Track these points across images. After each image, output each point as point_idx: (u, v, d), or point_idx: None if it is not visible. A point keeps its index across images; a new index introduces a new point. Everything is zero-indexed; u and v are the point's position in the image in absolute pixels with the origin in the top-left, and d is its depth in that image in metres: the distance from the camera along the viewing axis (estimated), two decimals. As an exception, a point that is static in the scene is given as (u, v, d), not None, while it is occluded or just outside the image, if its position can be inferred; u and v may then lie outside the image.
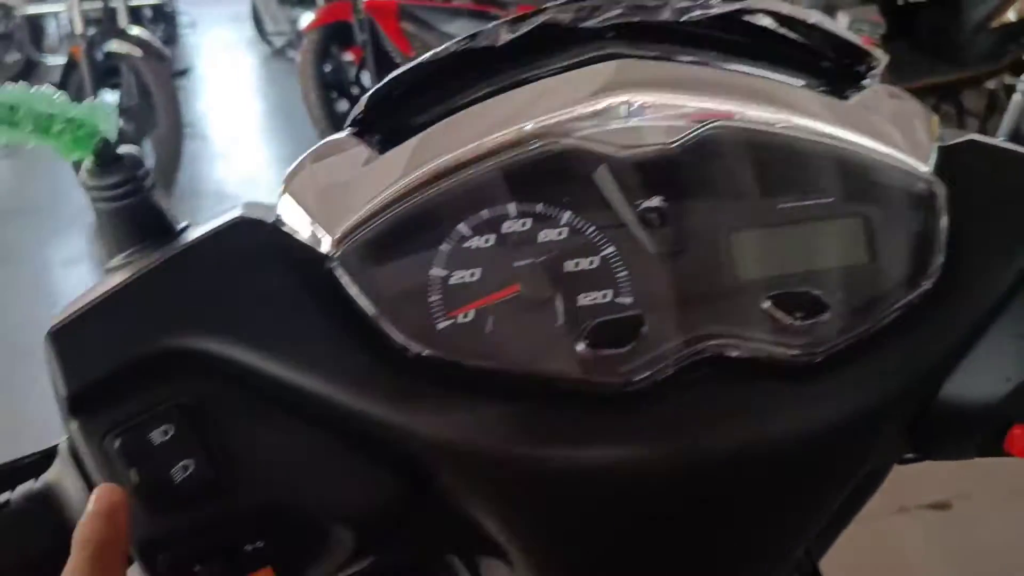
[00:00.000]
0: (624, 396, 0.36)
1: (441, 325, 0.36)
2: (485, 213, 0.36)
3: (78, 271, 3.03)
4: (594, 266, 0.36)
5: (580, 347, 0.35)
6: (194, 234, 0.39)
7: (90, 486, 0.36)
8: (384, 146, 0.38)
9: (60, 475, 0.38)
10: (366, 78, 3.70)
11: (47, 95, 0.38)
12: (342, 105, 3.74)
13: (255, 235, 0.39)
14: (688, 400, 0.36)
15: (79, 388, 0.36)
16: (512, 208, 0.36)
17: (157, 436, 0.34)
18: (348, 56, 3.72)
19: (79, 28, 3.15)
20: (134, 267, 0.38)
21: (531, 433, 0.36)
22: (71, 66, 3.36)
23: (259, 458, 0.36)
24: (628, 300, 0.36)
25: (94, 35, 3.20)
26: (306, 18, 4.03)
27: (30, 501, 0.37)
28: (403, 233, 0.36)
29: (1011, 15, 3.56)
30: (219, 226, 0.39)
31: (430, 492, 0.38)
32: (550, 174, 0.36)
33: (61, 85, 3.42)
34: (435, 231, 0.36)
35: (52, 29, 5.03)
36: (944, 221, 0.40)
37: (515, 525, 0.39)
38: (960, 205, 0.40)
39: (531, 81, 0.38)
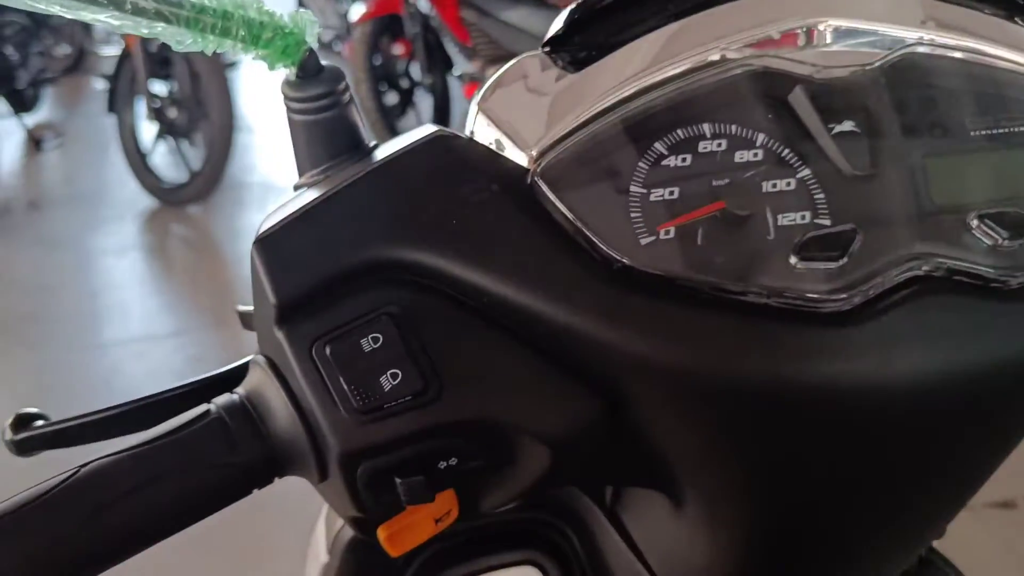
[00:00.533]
0: (840, 313, 0.35)
1: (645, 241, 0.35)
2: (681, 132, 0.36)
3: (128, 259, 3.05)
4: (791, 187, 0.35)
5: (793, 260, 0.35)
6: (387, 151, 0.39)
7: (292, 397, 0.36)
8: (578, 65, 0.38)
9: (259, 386, 0.38)
10: (415, 70, 3.69)
11: (257, 3, 0.37)
12: (391, 97, 3.74)
13: (455, 149, 0.38)
14: (905, 317, 0.35)
15: (288, 297, 0.36)
16: (707, 128, 0.36)
17: (367, 344, 0.35)
18: (398, 49, 3.71)
19: (134, 18, 3.17)
20: (334, 180, 0.38)
21: (748, 347, 0.35)
22: (124, 57, 3.39)
23: (463, 371, 0.36)
24: (826, 222, 0.35)
25: (148, 24, 3.21)
26: (357, 10, 4.03)
27: (230, 412, 0.37)
28: (602, 149, 0.36)
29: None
30: (417, 140, 0.38)
31: (626, 419, 0.37)
32: (746, 95, 0.36)
33: (114, 76, 3.45)
34: (633, 149, 0.36)
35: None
36: None
37: (712, 453, 0.38)
38: None
39: (726, 1, 0.38)
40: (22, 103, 4.26)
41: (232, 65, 4.58)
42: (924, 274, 0.36)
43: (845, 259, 0.35)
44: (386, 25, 3.61)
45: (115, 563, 0.35)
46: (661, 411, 0.37)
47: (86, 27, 4.72)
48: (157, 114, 3.34)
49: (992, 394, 0.38)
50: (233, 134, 3.29)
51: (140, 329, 2.58)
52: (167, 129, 3.37)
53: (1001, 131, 0.37)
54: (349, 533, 0.52)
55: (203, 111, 3.24)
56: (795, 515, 0.41)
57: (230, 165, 3.34)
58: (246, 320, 0.52)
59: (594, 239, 0.35)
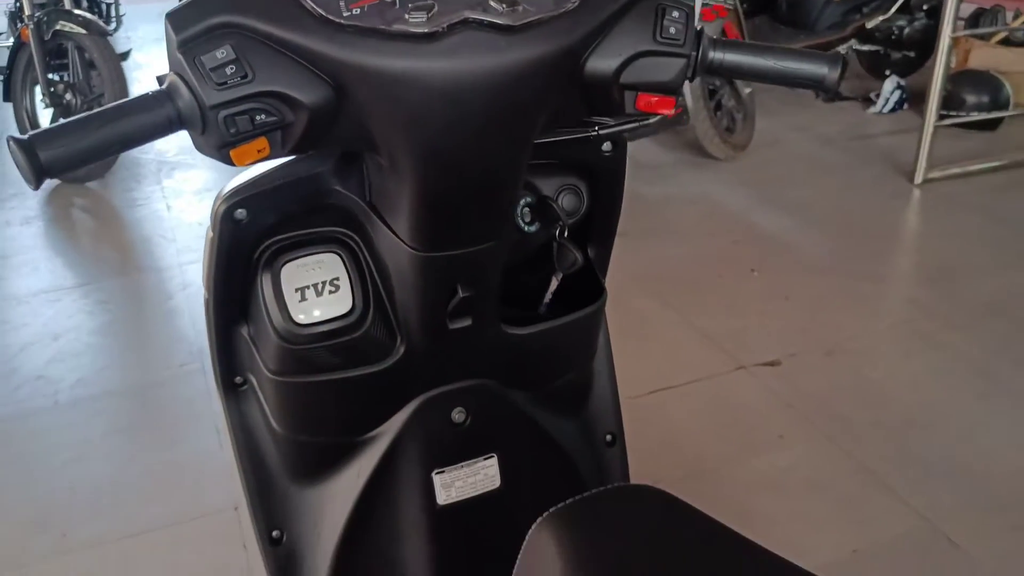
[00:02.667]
0: (430, 34, 0.63)
1: (346, 13, 0.64)
2: None
3: (33, 228, 3.36)
4: None
5: (408, 16, 0.64)
6: None
7: (187, 83, 0.63)
8: None
9: (173, 81, 0.65)
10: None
11: None
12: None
13: None
14: (460, 39, 0.64)
15: (184, 38, 0.63)
16: None
17: (221, 55, 0.63)
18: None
19: (27, 10, 3.48)
20: None
21: (394, 53, 0.64)
22: (18, 47, 3.69)
23: (265, 68, 0.63)
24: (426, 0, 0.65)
25: (40, 17, 3.52)
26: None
27: (158, 94, 0.65)
28: None
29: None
30: None
31: (347, 99, 0.66)
32: None
33: (8, 67, 3.75)
34: None
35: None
36: None
37: (389, 120, 0.67)
38: None
39: None
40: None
41: (125, 55, 4.86)
42: (471, 19, 0.64)
43: (432, 11, 0.64)
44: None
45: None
46: (362, 93, 0.65)
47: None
48: (53, 99, 3.65)
49: (512, 79, 0.66)
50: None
51: (50, 282, 2.91)
52: (63, 113, 3.68)
53: None
54: (222, 209, 0.80)
55: (97, 96, 3.56)
56: (440, 159, 0.69)
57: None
58: (161, 80, 0.70)
59: (322, 11, 0.64)
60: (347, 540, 0.96)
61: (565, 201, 0.93)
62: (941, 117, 3.34)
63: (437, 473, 0.95)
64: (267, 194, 0.79)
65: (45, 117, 3.74)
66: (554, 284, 0.94)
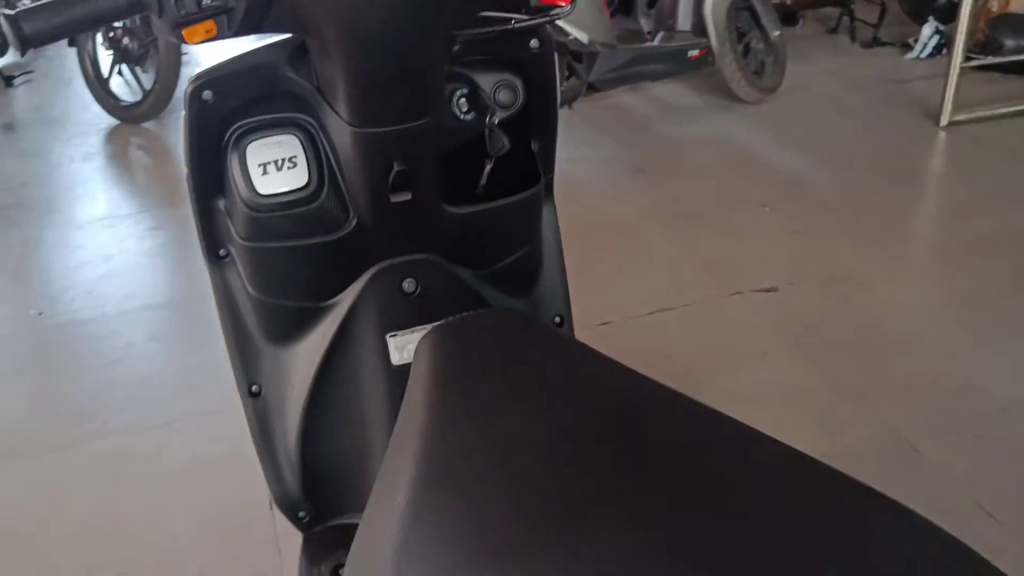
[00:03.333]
0: None
1: None
2: None
3: (94, 163, 3.61)
4: None
5: None
6: None
7: None
8: None
9: None
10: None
11: None
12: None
13: None
14: None
15: None
16: None
17: None
18: None
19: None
20: None
21: None
22: None
23: None
24: None
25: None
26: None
27: None
28: None
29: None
30: None
31: None
32: None
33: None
34: None
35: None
36: None
37: (315, 4, 0.78)
38: None
39: None
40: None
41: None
42: None
43: None
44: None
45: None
46: None
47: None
48: (112, 44, 3.87)
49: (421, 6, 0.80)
50: (180, 59, 3.84)
51: (107, 211, 3.14)
52: (121, 57, 3.91)
53: None
54: (191, 90, 0.91)
55: (153, 40, 3.78)
56: (362, 40, 0.79)
57: (178, 90, 3.90)
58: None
59: None
60: (314, 396, 1.12)
61: (501, 95, 1.05)
62: (968, 59, 3.34)
63: (391, 336, 1.10)
64: (229, 78, 0.94)
65: (106, 61, 3.97)
66: (488, 167, 1.07)
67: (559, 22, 2.45)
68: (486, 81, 1.06)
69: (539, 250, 1.21)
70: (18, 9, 0.76)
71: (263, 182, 0.98)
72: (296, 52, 0.95)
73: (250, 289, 1.08)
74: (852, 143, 3.38)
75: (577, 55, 3.06)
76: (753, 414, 1.92)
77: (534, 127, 1.12)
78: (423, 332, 1.13)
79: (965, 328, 2.19)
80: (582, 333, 2.20)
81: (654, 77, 3.34)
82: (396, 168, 0.96)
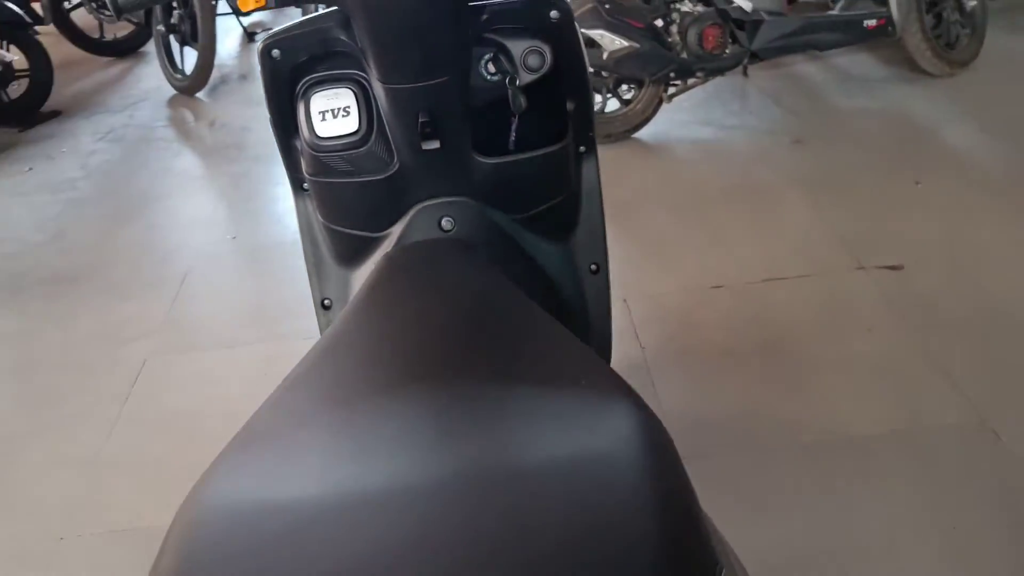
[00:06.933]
0: None
1: None
2: None
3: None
4: None
5: None
6: None
7: None
8: None
9: None
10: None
11: None
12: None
13: None
14: None
15: None
16: None
17: None
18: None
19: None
20: None
21: None
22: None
23: None
24: None
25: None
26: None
27: None
28: None
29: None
30: None
31: None
32: None
33: None
34: None
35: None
36: None
37: None
38: None
39: None
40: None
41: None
42: None
43: None
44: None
45: None
46: None
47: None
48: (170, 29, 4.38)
49: None
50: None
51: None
52: (181, 40, 4.41)
53: None
54: (261, 48, 1.09)
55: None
56: (376, 6, 0.93)
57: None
58: None
59: None
60: None
61: (529, 59, 1.20)
62: None
63: None
64: (291, 39, 1.15)
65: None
66: (515, 123, 1.24)
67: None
68: (517, 47, 1.22)
69: (574, 201, 1.36)
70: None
71: (322, 127, 1.20)
72: (346, 20, 1.16)
73: (320, 217, 1.32)
74: (1042, 126, 3.16)
75: (740, 23, 3.06)
76: (835, 383, 1.96)
77: (568, 89, 1.26)
78: None
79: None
80: (692, 296, 2.30)
81: (824, 47, 3.26)
82: (421, 119, 1.15)
